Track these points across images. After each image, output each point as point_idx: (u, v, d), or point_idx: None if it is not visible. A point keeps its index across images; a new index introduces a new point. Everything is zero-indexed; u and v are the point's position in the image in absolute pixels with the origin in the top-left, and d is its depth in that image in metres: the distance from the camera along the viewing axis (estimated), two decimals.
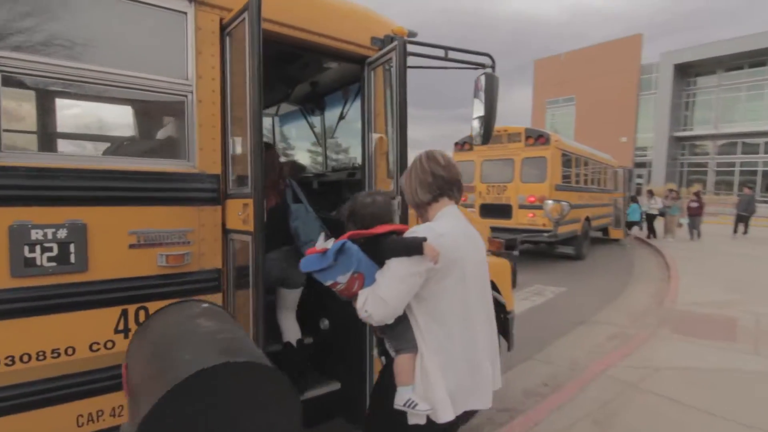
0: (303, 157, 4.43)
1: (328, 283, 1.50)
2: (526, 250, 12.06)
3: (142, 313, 1.90)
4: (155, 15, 1.92)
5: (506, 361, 3.76)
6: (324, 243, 1.49)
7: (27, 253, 1.65)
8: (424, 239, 1.40)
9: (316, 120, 4.11)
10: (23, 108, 1.91)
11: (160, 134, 2.25)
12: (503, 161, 10.16)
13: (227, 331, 1.18)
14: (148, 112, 2.26)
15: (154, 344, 1.20)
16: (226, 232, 2.11)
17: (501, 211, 10.08)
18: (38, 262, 1.68)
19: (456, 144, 11.11)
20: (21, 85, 1.77)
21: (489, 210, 10.26)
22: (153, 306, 1.92)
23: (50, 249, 1.70)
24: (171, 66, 1.97)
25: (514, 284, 3.70)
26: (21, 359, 1.66)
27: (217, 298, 2.10)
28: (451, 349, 1.47)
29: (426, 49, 2.75)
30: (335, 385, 2.78)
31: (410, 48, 2.76)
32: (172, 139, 2.19)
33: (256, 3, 1.81)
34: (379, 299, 1.42)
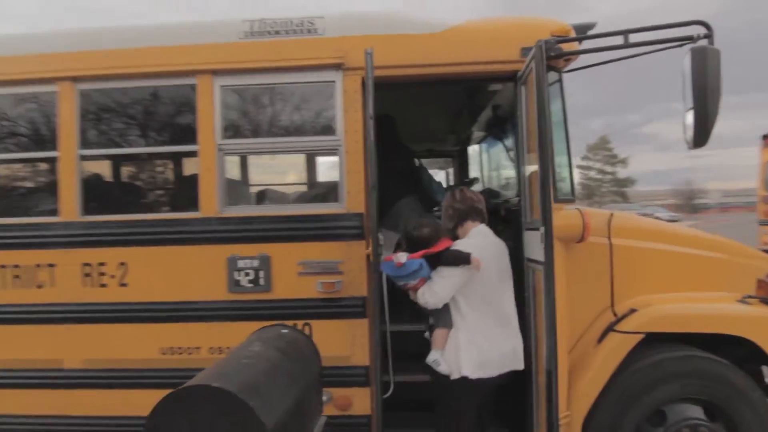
0: (499, 184, 4.29)
1: (401, 284, 2.17)
2: None
3: (306, 329, 2.35)
4: (314, 89, 2.43)
5: None
6: (401, 258, 2.07)
7: (236, 276, 2.35)
8: (470, 254, 2.04)
9: (509, 143, 3.93)
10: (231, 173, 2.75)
11: (319, 182, 2.75)
12: None
13: (262, 358, 1.38)
14: (309, 166, 2.82)
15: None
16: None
17: None
18: (242, 284, 2.35)
19: (764, 137, 8.01)
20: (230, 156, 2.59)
21: None
22: (314, 323, 2.35)
23: (249, 274, 2.35)
24: (327, 126, 2.43)
25: None
26: (220, 351, 2.36)
27: (363, 323, 2.35)
28: (481, 327, 2.11)
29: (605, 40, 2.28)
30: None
31: (584, 44, 2.36)
32: (327, 185, 2.64)
33: (370, 56, 2.02)
34: (434, 292, 2.10)
